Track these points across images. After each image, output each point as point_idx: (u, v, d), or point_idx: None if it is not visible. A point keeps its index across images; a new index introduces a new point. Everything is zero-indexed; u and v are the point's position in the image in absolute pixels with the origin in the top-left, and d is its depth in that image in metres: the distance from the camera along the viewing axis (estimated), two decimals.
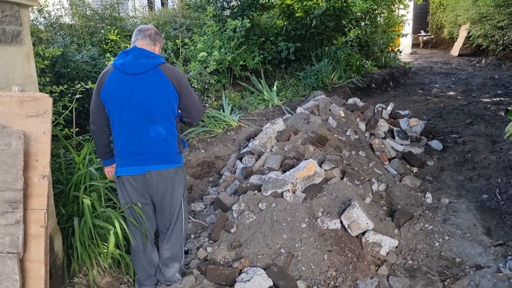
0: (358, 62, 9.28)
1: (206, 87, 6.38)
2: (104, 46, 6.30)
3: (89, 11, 7.42)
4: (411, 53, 16.06)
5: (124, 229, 2.88)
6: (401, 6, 12.20)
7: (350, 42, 9.92)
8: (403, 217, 3.77)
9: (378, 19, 11.16)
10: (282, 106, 6.56)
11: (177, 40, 6.95)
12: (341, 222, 3.41)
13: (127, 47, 5.98)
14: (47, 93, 2.69)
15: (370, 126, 5.56)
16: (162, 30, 8.00)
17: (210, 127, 5.43)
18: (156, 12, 10.95)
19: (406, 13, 12.82)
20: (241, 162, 4.54)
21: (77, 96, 3.72)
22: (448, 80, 10.80)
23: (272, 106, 6.64)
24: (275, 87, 7.08)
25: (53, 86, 3.76)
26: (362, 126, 5.60)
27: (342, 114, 5.48)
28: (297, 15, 8.98)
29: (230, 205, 3.64)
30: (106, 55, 5.71)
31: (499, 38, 11.93)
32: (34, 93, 2.41)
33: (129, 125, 2.70)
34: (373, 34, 10.81)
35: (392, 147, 5.31)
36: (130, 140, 2.72)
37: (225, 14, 8.68)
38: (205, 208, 4.04)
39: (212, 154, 4.89)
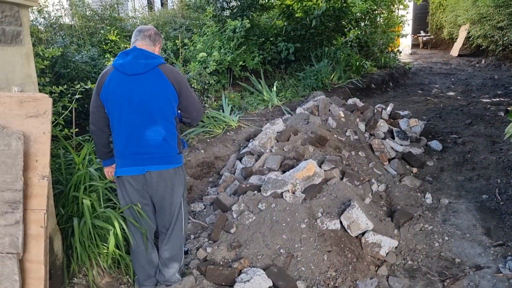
0: (357, 63, 9.29)
1: (205, 87, 6.38)
2: (104, 46, 6.30)
3: (89, 12, 7.41)
4: (410, 54, 16.07)
5: (124, 230, 2.88)
6: (401, 6, 12.22)
7: (349, 43, 9.93)
8: (402, 217, 3.77)
9: (377, 20, 11.17)
10: (281, 107, 6.56)
11: (176, 41, 6.95)
12: (341, 222, 3.41)
13: (126, 47, 5.98)
14: (46, 94, 2.69)
15: (370, 127, 5.56)
16: (162, 30, 8.00)
17: (210, 128, 5.43)
18: (155, 12, 10.94)
19: (406, 14, 12.84)
20: (241, 162, 4.54)
21: (77, 96, 3.72)
22: (448, 81, 10.81)
23: (272, 106, 6.64)
24: (274, 87, 7.08)
25: (53, 87, 3.76)
26: (362, 126, 5.61)
27: (342, 115, 5.48)
28: (296, 15, 8.98)
29: (229, 206, 3.64)
30: (106, 56, 5.71)
31: (498, 39, 11.94)
32: (33, 93, 2.41)
33: (129, 125, 2.70)
34: (372, 35, 10.82)
35: (392, 148, 5.32)
36: (130, 141, 2.72)
37: (225, 14, 8.68)
38: (204, 209, 4.04)
39: (212, 155, 4.89)
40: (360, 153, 4.85)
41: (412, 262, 3.38)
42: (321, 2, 8.89)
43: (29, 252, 2.11)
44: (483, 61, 12.97)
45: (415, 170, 5.03)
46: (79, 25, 6.66)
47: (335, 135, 4.96)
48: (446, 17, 15.93)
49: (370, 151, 5.07)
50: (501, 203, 4.16)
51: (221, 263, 3.18)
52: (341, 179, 4.00)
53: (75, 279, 2.91)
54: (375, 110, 5.93)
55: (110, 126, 2.78)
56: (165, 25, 8.54)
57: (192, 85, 5.84)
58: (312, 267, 3.08)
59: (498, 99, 8.32)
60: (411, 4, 13.80)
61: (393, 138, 5.58)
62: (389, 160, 5.11)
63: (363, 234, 3.43)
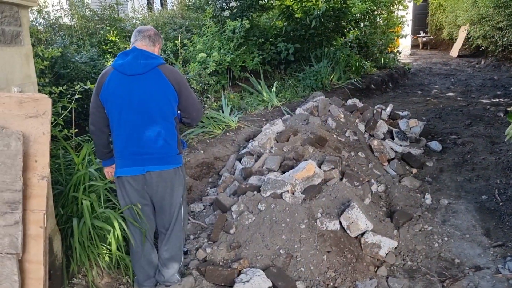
0: (357, 63, 9.30)
1: (205, 88, 6.38)
2: (104, 47, 6.30)
3: (89, 12, 7.41)
4: (410, 54, 16.08)
5: (124, 230, 2.88)
6: (401, 7, 12.24)
7: (349, 43, 9.94)
8: (402, 218, 3.77)
9: (377, 20, 11.18)
10: (281, 107, 6.56)
11: (176, 41, 6.95)
12: (340, 223, 3.41)
13: (126, 47, 5.98)
14: (46, 94, 2.69)
15: (370, 127, 5.56)
16: (162, 31, 8.00)
17: (210, 128, 5.43)
18: (155, 13, 10.95)
19: (406, 14, 12.84)
20: (240, 163, 4.54)
21: (76, 97, 3.72)
22: (448, 81, 10.81)
23: (271, 107, 6.64)
24: (274, 88, 7.09)
25: (52, 87, 3.76)
26: (361, 127, 5.61)
27: (341, 115, 5.48)
28: (296, 16, 8.99)
29: (229, 206, 3.64)
30: (106, 56, 5.71)
31: (498, 39, 11.96)
32: (33, 94, 2.41)
33: (129, 125, 2.70)
34: (372, 35, 10.83)
35: (391, 148, 5.32)
36: (129, 141, 2.72)
37: (225, 15, 8.68)
38: (204, 209, 4.04)
39: (212, 155, 4.89)
40: (359, 153, 4.85)
41: (412, 262, 3.38)
42: (321, 2, 8.89)
43: (29, 252, 2.11)
44: (482, 62, 12.98)
45: (414, 170, 5.03)
46: (78, 25, 6.66)
47: (334, 136, 4.96)
48: (445, 18, 15.94)
49: (369, 152, 5.07)
50: (501, 203, 4.17)
51: (220, 263, 3.18)
52: (341, 179, 4.00)
53: (75, 279, 2.91)
54: (375, 111, 5.93)
55: (110, 127, 2.79)
56: (165, 26, 8.54)
57: (192, 86, 5.84)
58: (312, 268, 3.08)
59: (497, 100, 8.33)
60: (410, 5, 13.82)
61: (392, 138, 5.59)
62: (389, 160, 5.11)
63: (362, 234, 3.43)
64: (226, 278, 2.97)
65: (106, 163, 2.95)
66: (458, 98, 8.84)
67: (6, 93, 2.24)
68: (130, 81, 2.65)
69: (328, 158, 4.15)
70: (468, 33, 13.77)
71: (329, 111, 5.54)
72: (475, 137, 5.96)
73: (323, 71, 8.01)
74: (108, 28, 6.84)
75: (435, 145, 5.71)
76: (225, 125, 5.57)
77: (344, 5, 8.99)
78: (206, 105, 6.01)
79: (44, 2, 6.59)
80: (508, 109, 6.73)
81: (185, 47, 7.06)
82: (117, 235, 2.88)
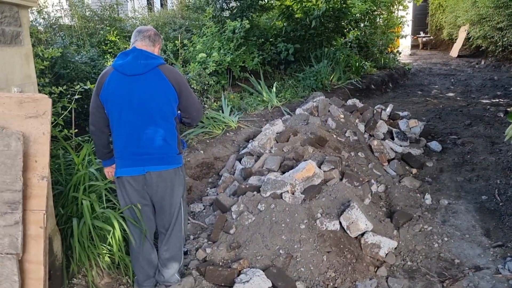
0: (357, 63, 9.30)
1: (205, 88, 6.39)
2: (104, 47, 6.31)
3: (89, 12, 7.41)
4: (410, 54, 16.08)
5: (124, 230, 2.88)
6: (401, 7, 12.23)
7: (349, 43, 9.94)
8: (402, 218, 3.77)
9: (377, 20, 11.18)
10: (281, 107, 6.56)
11: (176, 41, 6.95)
12: (340, 223, 3.41)
13: (126, 48, 5.98)
14: (46, 94, 2.69)
15: (369, 127, 5.56)
16: (162, 31, 8.00)
17: (209, 128, 5.43)
18: (155, 13, 10.94)
19: (406, 14, 12.85)
20: (240, 163, 4.54)
21: (76, 97, 3.72)
22: (448, 81, 10.81)
23: (271, 107, 6.64)
24: (274, 88, 7.09)
25: (52, 87, 3.76)
26: (361, 127, 5.61)
27: (341, 115, 5.48)
28: (296, 16, 8.99)
29: (229, 206, 3.64)
30: (106, 56, 5.71)
31: (498, 39, 11.95)
32: (33, 94, 2.41)
33: (129, 126, 2.70)
34: (372, 35, 10.83)
35: (391, 148, 5.32)
36: (129, 141, 2.73)
37: (224, 15, 8.68)
38: (204, 209, 4.04)
39: (211, 155, 4.89)
40: (359, 154, 4.85)
41: (412, 263, 3.38)
42: (321, 2, 8.89)
43: (29, 252, 2.11)
44: (482, 62, 12.99)
45: (414, 171, 5.03)
46: (78, 25, 6.67)
47: (334, 136, 4.96)
48: (445, 18, 15.94)
49: (369, 152, 5.07)
50: (501, 204, 4.17)
51: (220, 263, 3.18)
52: (341, 179, 4.01)
53: (75, 279, 2.91)
54: (375, 111, 5.94)
55: (110, 127, 2.79)
56: (165, 26, 8.54)
57: (192, 86, 5.85)
58: (312, 268, 3.08)
59: (497, 100, 8.33)
60: (410, 5, 13.82)
61: (392, 139, 5.59)
62: (389, 161, 5.11)
63: (362, 234, 3.43)
64: (226, 278, 2.97)
65: (106, 163, 2.95)
66: (458, 98, 8.84)
67: (6, 93, 2.25)
68: (130, 81, 2.65)
69: (328, 158, 4.15)
70: (468, 33, 13.77)
71: (329, 111, 5.54)
72: (475, 137, 5.96)
73: (323, 71, 8.02)
74: (108, 28, 6.84)
75: (435, 145, 5.71)
76: (225, 125, 5.57)
77: (344, 5, 8.99)
78: (206, 105, 6.01)
79: (44, 2, 6.60)
80: (508, 109, 6.74)
81: (185, 47, 7.07)
82: (117, 236, 2.88)
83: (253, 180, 3.97)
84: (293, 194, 3.59)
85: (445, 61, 14.28)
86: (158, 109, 2.70)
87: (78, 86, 3.77)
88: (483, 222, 3.91)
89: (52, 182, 2.94)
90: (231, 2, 8.88)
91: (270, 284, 2.90)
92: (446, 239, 3.66)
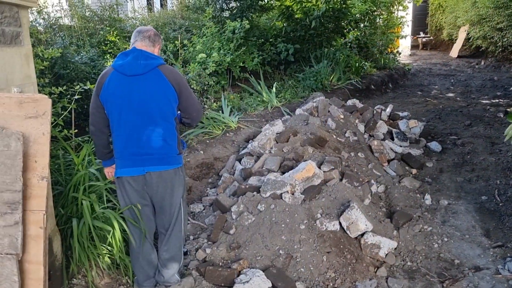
0: (357, 64, 9.30)
1: (205, 88, 6.38)
2: (104, 47, 6.30)
3: (89, 13, 7.41)
4: (410, 55, 16.08)
5: (124, 230, 2.88)
6: (400, 7, 12.23)
7: (349, 44, 9.94)
8: (402, 218, 3.77)
9: (377, 21, 11.19)
10: (281, 108, 6.56)
11: (176, 42, 6.95)
12: (340, 223, 3.41)
13: (126, 48, 5.98)
14: (46, 94, 2.69)
15: (369, 128, 5.56)
16: (161, 31, 8.00)
17: (209, 129, 5.43)
18: (155, 13, 10.95)
19: (405, 15, 12.85)
20: (240, 163, 4.54)
21: (76, 97, 3.72)
22: (447, 82, 10.82)
23: (271, 107, 6.64)
24: (274, 88, 7.09)
25: (52, 87, 3.76)
26: (361, 127, 5.61)
27: (341, 116, 5.48)
28: (296, 16, 8.99)
29: (229, 207, 3.64)
30: (105, 56, 5.71)
31: (498, 40, 11.96)
32: (33, 94, 2.41)
33: (129, 126, 2.70)
34: (372, 36, 10.83)
35: (391, 149, 5.32)
36: (129, 141, 2.72)
37: (224, 15, 8.68)
38: (204, 210, 4.04)
39: (211, 156, 4.89)
40: (359, 154, 4.85)
41: (412, 263, 3.38)
42: (321, 3, 8.89)
43: (28, 253, 2.11)
44: (482, 62, 12.99)
45: (414, 171, 5.04)
46: (78, 26, 6.66)
47: (334, 136, 4.96)
48: (445, 18, 15.94)
49: (369, 152, 5.07)
50: (501, 204, 4.17)
51: (220, 264, 3.18)
52: (341, 180, 4.01)
53: (74, 280, 2.91)
54: (375, 111, 5.94)
55: (110, 127, 2.79)
56: (165, 26, 8.54)
57: (192, 86, 5.84)
58: (311, 268, 3.08)
59: (497, 100, 8.33)
60: (410, 5, 13.83)
61: (392, 139, 5.59)
62: (389, 161, 5.11)
63: (362, 235, 3.43)
64: (225, 279, 2.97)
65: (106, 163, 2.95)
66: (458, 98, 8.84)
67: (6, 94, 2.25)
68: (130, 81, 2.65)
69: (328, 159, 4.15)
70: (468, 33, 13.77)
71: (329, 111, 5.54)
72: (475, 137, 5.96)
73: (323, 71, 8.02)
74: (108, 28, 6.84)
75: (435, 145, 5.71)
76: (225, 126, 5.57)
77: (344, 6, 8.99)
78: (206, 106, 6.01)
79: (44, 3, 6.60)
80: (508, 109, 6.74)
81: (185, 48, 7.07)
82: (117, 236, 2.88)
83: (253, 181, 3.97)
84: (293, 194, 3.59)
85: (445, 61, 14.28)
86: (158, 110, 2.70)
87: (78, 86, 3.77)
88: (483, 223, 3.91)
89: (52, 182, 2.94)
90: (231, 3, 8.88)
91: (270, 285, 2.90)
92: (446, 239, 3.66)
